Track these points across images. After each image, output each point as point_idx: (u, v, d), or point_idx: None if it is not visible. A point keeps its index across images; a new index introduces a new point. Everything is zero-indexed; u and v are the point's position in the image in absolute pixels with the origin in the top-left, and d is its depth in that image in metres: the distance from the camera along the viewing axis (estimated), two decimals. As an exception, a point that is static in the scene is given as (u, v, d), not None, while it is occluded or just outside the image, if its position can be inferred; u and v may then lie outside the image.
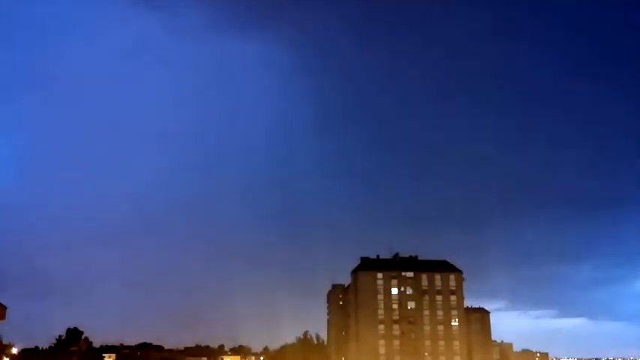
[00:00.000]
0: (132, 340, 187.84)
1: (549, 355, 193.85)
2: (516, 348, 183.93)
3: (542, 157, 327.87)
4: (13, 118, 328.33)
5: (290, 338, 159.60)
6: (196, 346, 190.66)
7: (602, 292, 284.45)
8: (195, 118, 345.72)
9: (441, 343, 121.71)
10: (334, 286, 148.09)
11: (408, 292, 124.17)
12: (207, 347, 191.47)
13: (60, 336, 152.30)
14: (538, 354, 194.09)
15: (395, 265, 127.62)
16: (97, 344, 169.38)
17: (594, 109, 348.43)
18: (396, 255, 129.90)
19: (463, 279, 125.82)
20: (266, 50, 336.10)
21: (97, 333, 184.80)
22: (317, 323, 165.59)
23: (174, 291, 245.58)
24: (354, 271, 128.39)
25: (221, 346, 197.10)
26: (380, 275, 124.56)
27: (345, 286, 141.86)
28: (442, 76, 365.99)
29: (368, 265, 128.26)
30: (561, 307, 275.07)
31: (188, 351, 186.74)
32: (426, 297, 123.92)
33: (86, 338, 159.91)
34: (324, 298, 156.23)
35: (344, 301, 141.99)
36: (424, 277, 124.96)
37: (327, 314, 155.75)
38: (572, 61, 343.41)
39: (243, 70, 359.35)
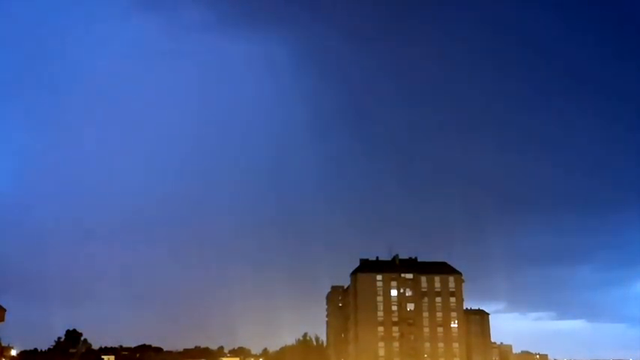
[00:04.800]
0: (131, 342, 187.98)
1: (549, 357, 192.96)
2: (516, 350, 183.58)
3: (541, 159, 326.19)
4: (11, 118, 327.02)
5: (289, 340, 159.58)
6: (195, 347, 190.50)
7: (602, 294, 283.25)
8: (194, 119, 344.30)
9: (441, 344, 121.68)
10: (334, 288, 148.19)
11: (407, 294, 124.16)
12: (206, 349, 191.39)
13: (59, 338, 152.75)
14: (538, 356, 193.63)
15: (394, 267, 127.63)
16: (96, 346, 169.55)
17: (597, 111, 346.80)
18: (396, 256, 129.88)
19: (462, 281, 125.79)
20: (265, 51, 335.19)
21: (96, 335, 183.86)
22: (316, 325, 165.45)
23: (174, 292, 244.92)
24: (354, 273, 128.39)
25: (220, 348, 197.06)
26: (379, 277, 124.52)
27: (345, 287, 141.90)
28: (442, 80, 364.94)
29: (367, 266, 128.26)
30: (561, 309, 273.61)
31: (187, 353, 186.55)
32: (426, 299, 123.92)
33: (85, 340, 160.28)
34: (324, 300, 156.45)
35: (343, 303, 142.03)
36: (423, 279, 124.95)
37: (327, 316, 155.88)
38: (572, 62, 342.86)
39: (240, 71, 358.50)
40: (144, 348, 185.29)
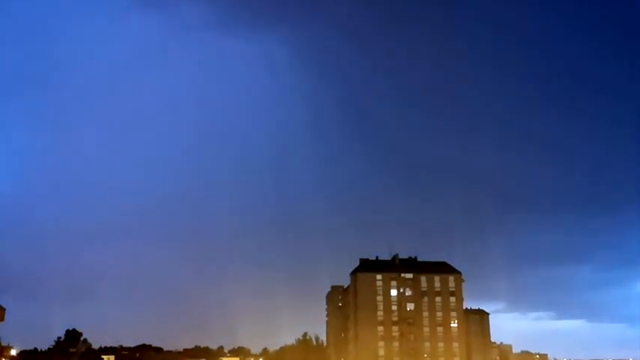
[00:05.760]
0: (131, 342, 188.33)
1: (548, 357, 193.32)
2: (515, 349, 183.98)
3: (541, 159, 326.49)
4: (11, 117, 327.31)
5: (289, 339, 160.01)
6: (195, 347, 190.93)
7: (601, 294, 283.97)
8: (194, 118, 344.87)
9: (440, 344, 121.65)
10: (334, 288, 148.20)
11: (407, 294, 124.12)
12: (206, 348, 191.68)
13: (59, 337, 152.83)
14: (537, 355, 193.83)
15: (394, 267, 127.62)
16: (95, 346, 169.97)
17: (597, 111, 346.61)
18: (396, 256, 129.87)
19: (462, 280, 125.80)
20: (265, 51, 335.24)
21: (96, 334, 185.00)
22: (316, 324, 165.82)
23: (174, 292, 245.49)
24: (354, 273, 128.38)
25: (220, 348, 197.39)
26: (379, 276, 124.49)
27: (345, 287, 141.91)
28: (442, 80, 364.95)
29: (367, 266, 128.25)
30: (561, 309, 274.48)
31: (187, 352, 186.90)
32: (426, 298, 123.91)
33: (85, 340, 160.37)
34: (324, 300, 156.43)
35: (343, 303, 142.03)
36: (423, 279, 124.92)
37: (327, 315, 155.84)
38: (572, 62, 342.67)
39: (240, 71, 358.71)
40: (144, 348, 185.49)
